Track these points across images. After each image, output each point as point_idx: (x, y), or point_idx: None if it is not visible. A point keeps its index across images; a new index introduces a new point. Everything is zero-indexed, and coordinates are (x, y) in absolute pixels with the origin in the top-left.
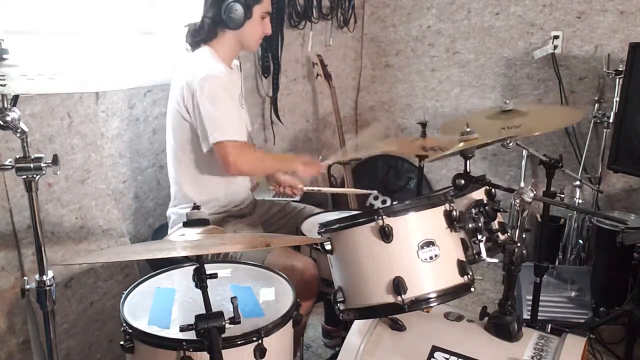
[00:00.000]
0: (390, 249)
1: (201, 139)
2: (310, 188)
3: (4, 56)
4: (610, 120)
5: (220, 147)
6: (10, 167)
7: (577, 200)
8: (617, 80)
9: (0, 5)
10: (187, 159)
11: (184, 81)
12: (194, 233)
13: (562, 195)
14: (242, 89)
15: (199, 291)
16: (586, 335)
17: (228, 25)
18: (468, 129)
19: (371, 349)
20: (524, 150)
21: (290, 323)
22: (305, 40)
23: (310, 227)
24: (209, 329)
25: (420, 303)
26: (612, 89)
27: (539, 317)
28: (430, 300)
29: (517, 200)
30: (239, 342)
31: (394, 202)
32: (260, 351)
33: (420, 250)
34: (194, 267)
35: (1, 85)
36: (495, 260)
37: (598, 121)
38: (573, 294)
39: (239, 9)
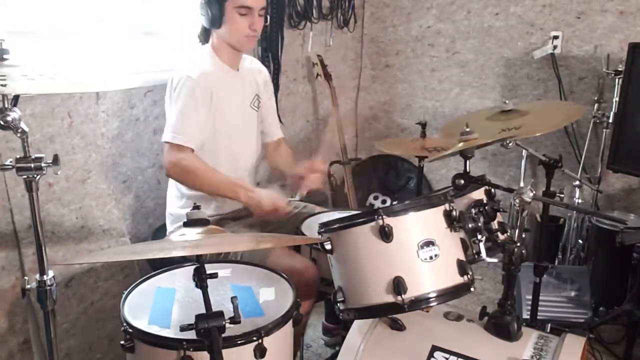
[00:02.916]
0: (390, 249)
1: None
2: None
3: (4, 56)
4: (610, 120)
5: (164, 146)
6: (10, 167)
7: (576, 200)
8: (617, 80)
9: (1, 5)
10: None
11: (172, 76)
12: (194, 233)
13: (562, 195)
14: (258, 90)
15: (199, 291)
16: (586, 335)
17: (207, 25)
18: (467, 129)
19: (371, 349)
20: (524, 150)
21: (290, 323)
22: (305, 40)
23: (310, 227)
24: (209, 328)
25: (420, 303)
26: (611, 89)
27: (538, 317)
28: (430, 300)
29: (517, 200)
30: (239, 342)
31: (394, 202)
32: (260, 351)
33: (420, 250)
34: (194, 267)
35: (2, 85)
36: (495, 260)
37: (597, 121)
38: (572, 293)
39: (209, 7)
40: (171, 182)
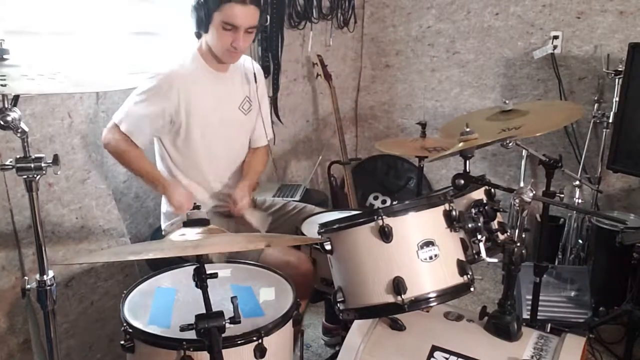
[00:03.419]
0: (390, 249)
1: None
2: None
3: (4, 56)
4: (610, 120)
5: (111, 123)
6: (10, 167)
7: (576, 200)
8: (617, 80)
9: (0, 5)
10: (164, 154)
11: None
12: (194, 233)
13: (562, 195)
14: (249, 93)
15: (199, 291)
16: (586, 334)
17: (194, 27)
18: (467, 129)
19: (371, 349)
20: (524, 150)
21: (290, 323)
22: (306, 40)
23: (310, 227)
24: (209, 328)
25: (420, 303)
26: (611, 89)
27: (538, 317)
28: (430, 300)
29: (517, 200)
30: (239, 342)
31: (394, 202)
32: (260, 351)
33: (420, 250)
34: (194, 266)
35: (2, 85)
36: (495, 260)
37: (597, 121)
38: (572, 293)
39: (197, 12)
40: None
